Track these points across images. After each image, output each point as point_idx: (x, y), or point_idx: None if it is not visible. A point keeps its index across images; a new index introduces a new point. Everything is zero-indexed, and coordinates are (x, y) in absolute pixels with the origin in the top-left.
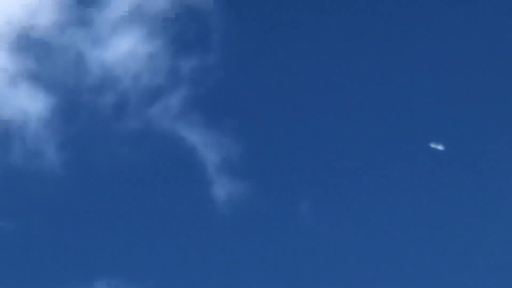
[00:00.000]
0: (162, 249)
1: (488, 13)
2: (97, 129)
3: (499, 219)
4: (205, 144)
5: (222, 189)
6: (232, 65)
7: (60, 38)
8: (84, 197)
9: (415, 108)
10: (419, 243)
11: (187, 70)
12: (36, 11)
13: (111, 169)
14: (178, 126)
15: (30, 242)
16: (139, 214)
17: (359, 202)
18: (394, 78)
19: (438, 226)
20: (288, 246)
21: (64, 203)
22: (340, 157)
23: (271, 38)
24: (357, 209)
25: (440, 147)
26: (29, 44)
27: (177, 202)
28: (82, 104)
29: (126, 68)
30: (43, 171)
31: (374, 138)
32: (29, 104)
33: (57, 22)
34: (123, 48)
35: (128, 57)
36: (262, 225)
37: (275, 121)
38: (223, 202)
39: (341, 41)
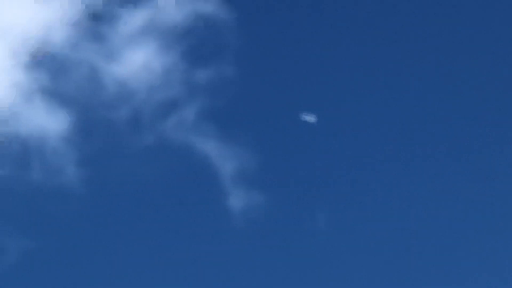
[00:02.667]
0: (178, 262)
1: None
2: (114, 145)
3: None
4: (220, 156)
5: (237, 201)
6: (248, 77)
7: (74, 54)
8: (103, 212)
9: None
10: (440, 258)
11: (202, 82)
12: (50, 27)
13: (128, 184)
14: (193, 138)
15: (50, 259)
16: (155, 227)
17: (377, 213)
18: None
19: (471, 240)
20: (304, 258)
21: (84, 219)
22: (358, 167)
23: (287, 50)
24: (375, 221)
25: (312, 119)
26: (43, 60)
27: (193, 214)
28: (98, 119)
29: (140, 82)
30: (63, 187)
31: (395, 150)
32: (46, 121)
33: (70, 37)
34: (137, 62)
35: (143, 70)
36: (278, 236)
37: (291, 133)
38: (238, 214)
39: (358, 55)
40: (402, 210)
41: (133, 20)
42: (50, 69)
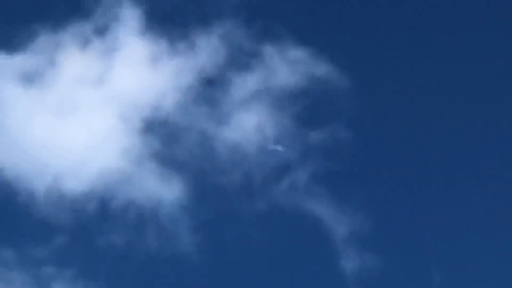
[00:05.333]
0: None
1: None
2: (227, 211)
3: None
4: (333, 219)
5: (351, 263)
6: (361, 140)
7: (186, 119)
8: (219, 280)
9: None
10: None
11: (315, 145)
12: (162, 93)
13: (242, 250)
14: (305, 201)
15: None
16: None
17: (493, 272)
18: None
19: None
20: None
21: (201, 287)
22: (470, 227)
23: (402, 115)
24: (491, 280)
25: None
26: (154, 125)
27: (307, 277)
28: (211, 185)
29: (252, 146)
30: (178, 255)
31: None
32: (159, 187)
33: (182, 103)
34: (249, 126)
35: (255, 134)
36: None
37: (405, 195)
38: (352, 276)
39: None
40: None
41: (245, 83)
42: (162, 134)
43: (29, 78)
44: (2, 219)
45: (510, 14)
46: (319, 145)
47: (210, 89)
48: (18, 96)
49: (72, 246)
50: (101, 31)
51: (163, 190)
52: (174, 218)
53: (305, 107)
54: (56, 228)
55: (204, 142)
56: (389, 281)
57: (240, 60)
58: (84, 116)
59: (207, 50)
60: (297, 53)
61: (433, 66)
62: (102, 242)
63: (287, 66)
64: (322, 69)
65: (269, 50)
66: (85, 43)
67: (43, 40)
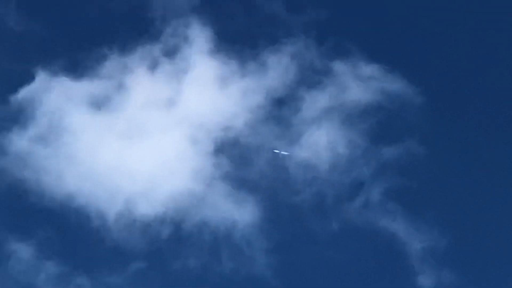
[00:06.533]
0: None
1: None
2: (301, 231)
3: None
4: (408, 235)
5: (427, 280)
6: (435, 156)
7: (256, 139)
8: None
9: None
10: None
11: (388, 161)
12: (232, 113)
13: (318, 271)
14: (379, 218)
15: None
16: None
17: None
18: None
19: None
20: None
21: None
22: None
23: (477, 130)
24: None
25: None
26: (225, 146)
27: None
28: (283, 205)
29: (324, 164)
30: (255, 277)
31: None
32: (231, 208)
33: (251, 122)
34: (320, 143)
35: (326, 152)
36: None
37: (480, 210)
38: None
39: None
40: None
41: (316, 101)
42: (233, 155)
43: (98, 103)
44: (75, 245)
45: None
46: (393, 162)
47: (280, 108)
48: (87, 121)
49: (147, 272)
50: (170, 52)
51: (236, 211)
52: (249, 240)
53: (377, 123)
54: (130, 254)
55: (275, 161)
56: None
57: (311, 78)
58: (154, 139)
59: (277, 69)
60: (369, 70)
61: (509, 81)
62: (177, 266)
63: (359, 82)
64: (395, 85)
65: (340, 67)
66: (153, 65)
67: (111, 63)
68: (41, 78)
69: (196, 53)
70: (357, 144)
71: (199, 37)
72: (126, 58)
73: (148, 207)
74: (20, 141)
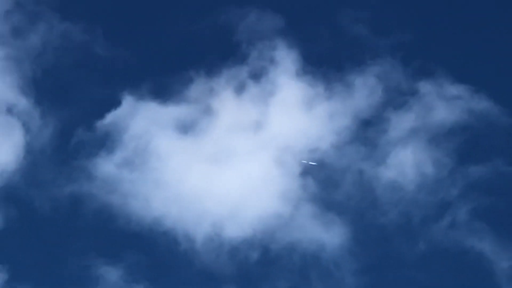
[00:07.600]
0: None
1: None
2: (388, 252)
3: None
4: (496, 255)
5: None
6: None
7: (342, 160)
8: None
9: None
10: None
11: (475, 180)
12: (317, 135)
13: None
14: (466, 238)
15: None
16: None
17: None
18: None
19: None
20: None
21: None
22: None
23: None
24: None
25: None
26: (312, 168)
27: None
28: (370, 226)
29: (410, 184)
30: None
31: None
32: (319, 229)
33: (338, 144)
34: (407, 164)
35: (412, 172)
36: None
37: None
38: None
39: None
40: None
41: (402, 122)
42: (320, 177)
43: (184, 126)
44: (163, 268)
45: None
46: (480, 181)
47: (366, 129)
48: (173, 145)
49: None
50: (256, 75)
51: (324, 233)
52: (337, 261)
53: (464, 143)
54: (219, 276)
55: (362, 182)
56: None
57: (396, 99)
58: (241, 162)
59: (363, 90)
60: (455, 90)
61: None
62: None
63: (445, 103)
64: (481, 105)
65: (426, 87)
66: (240, 88)
67: (198, 87)
68: (128, 103)
69: (282, 76)
70: (444, 164)
71: (285, 59)
72: (213, 81)
73: (235, 229)
74: (107, 166)
